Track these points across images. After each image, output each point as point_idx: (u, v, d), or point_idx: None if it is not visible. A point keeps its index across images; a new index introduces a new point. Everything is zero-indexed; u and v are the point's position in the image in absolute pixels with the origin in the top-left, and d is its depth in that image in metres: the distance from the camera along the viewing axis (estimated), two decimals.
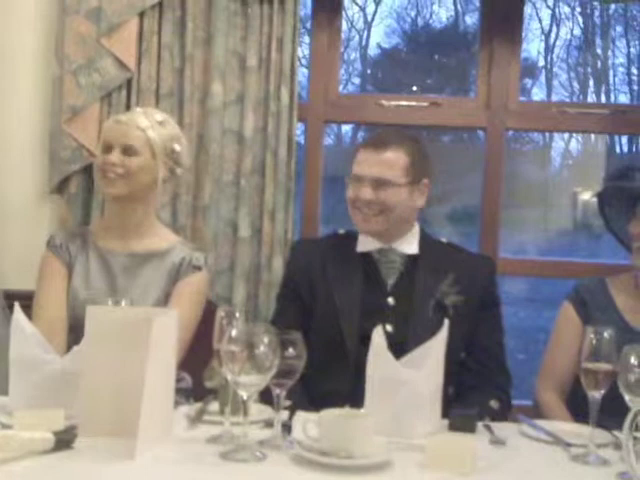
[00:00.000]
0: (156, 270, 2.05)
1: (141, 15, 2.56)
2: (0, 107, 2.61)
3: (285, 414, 1.60)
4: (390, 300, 2.01)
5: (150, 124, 2.03)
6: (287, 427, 1.55)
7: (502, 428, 1.69)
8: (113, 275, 2.04)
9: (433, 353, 1.66)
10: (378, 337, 1.66)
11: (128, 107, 2.54)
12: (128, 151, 2.00)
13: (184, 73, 2.59)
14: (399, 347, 1.73)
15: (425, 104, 2.85)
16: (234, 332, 1.43)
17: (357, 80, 5.74)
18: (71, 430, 1.43)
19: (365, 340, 1.71)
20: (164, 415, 1.52)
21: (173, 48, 2.59)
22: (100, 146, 2.06)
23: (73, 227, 2.52)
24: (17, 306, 1.62)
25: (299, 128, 2.71)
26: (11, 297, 1.78)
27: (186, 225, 2.59)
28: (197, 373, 1.77)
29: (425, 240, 2.07)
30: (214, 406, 1.68)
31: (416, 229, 2.07)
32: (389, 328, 1.92)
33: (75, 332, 1.92)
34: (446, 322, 1.71)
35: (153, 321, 1.42)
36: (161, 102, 2.58)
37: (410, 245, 2.04)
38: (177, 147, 2.09)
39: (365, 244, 2.04)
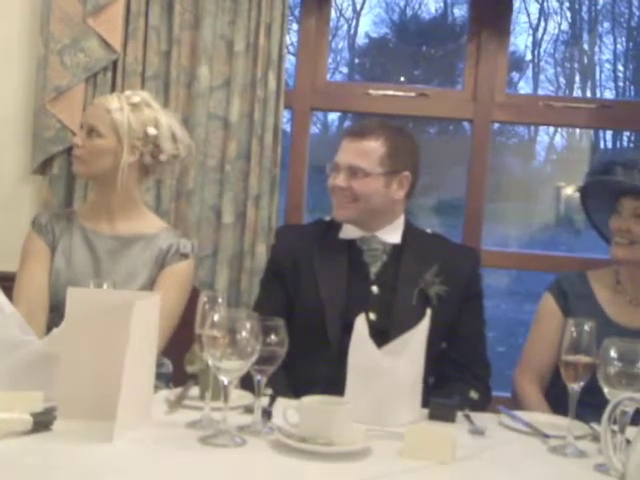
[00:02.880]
0: (141, 254, 2.04)
1: None
2: None
3: (265, 400, 1.60)
4: (374, 288, 2.01)
5: (119, 106, 2.00)
6: (267, 413, 1.55)
7: (481, 418, 1.69)
8: (97, 257, 2.03)
9: (415, 342, 1.67)
10: (360, 325, 1.66)
11: (113, 88, 2.52)
12: (91, 133, 2.00)
13: (171, 56, 2.56)
14: (381, 335, 1.73)
15: (412, 94, 2.85)
16: (216, 317, 1.43)
17: (345, 69, 5.72)
18: (50, 412, 1.41)
19: (348, 328, 1.71)
20: (144, 399, 1.51)
21: (160, 30, 2.57)
22: None
23: (58, 208, 2.50)
24: None
25: (285, 115, 2.70)
26: None
27: (170, 209, 2.58)
28: (178, 358, 1.76)
29: (410, 230, 2.08)
30: (194, 391, 1.68)
31: (401, 219, 2.07)
32: (372, 316, 1.92)
33: (56, 313, 1.91)
34: (428, 312, 1.71)
35: (134, 305, 1.41)
36: (146, 84, 2.55)
37: (393, 234, 2.04)
38: (151, 131, 2.02)
39: (348, 232, 2.05)
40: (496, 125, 3.08)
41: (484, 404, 1.95)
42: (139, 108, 2.03)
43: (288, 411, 1.47)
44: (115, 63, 2.55)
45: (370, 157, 1.97)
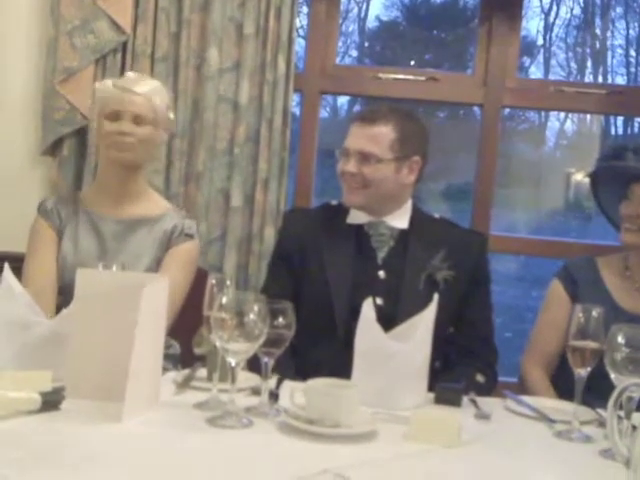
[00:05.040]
0: (147, 237, 2.04)
1: None
2: None
3: (273, 382, 1.61)
4: (381, 273, 2.01)
5: (154, 92, 2.03)
6: (274, 395, 1.56)
7: (487, 403, 1.70)
8: (103, 240, 2.04)
9: (422, 326, 1.67)
10: (367, 309, 1.66)
11: (123, 70, 2.52)
12: (137, 120, 1.99)
13: (180, 38, 2.56)
14: (388, 320, 1.73)
15: (422, 79, 2.84)
16: (224, 299, 1.43)
17: (355, 52, 5.69)
18: (58, 392, 1.43)
19: (355, 312, 1.71)
20: (152, 380, 1.52)
21: (170, 12, 2.56)
22: (103, 113, 2.01)
23: (64, 192, 2.51)
24: (7, 267, 1.61)
25: (294, 99, 2.69)
26: (1, 259, 1.77)
27: (179, 192, 2.58)
28: (186, 339, 1.77)
29: (417, 215, 2.07)
30: (202, 372, 1.69)
31: (408, 204, 2.07)
32: (379, 301, 1.92)
33: (64, 296, 1.92)
34: (436, 296, 1.71)
35: (144, 287, 1.42)
36: (156, 66, 2.55)
37: (401, 220, 2.04)
38: (172, 115, 2.12)
39: (356, 217, 2.04)
40: (506, 110, 3.07)
41: (490, 388, 1.96)
42: (163, 93, 2.07)
43: (295, 393, 1.47)
44: (125, 45, 2.55)
45: (381, 142, 1.97)
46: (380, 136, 1.97)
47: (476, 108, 3.07)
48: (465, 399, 1.70)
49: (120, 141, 1.98)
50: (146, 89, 2.02)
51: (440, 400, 1.68)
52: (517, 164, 5.56)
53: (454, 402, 1.67)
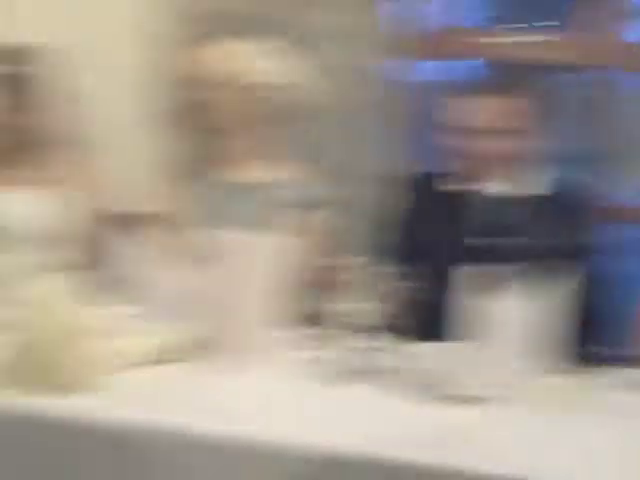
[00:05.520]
0: (268, 203, 2.04)
1: None
2: (106, 38, 2.62)
3: (388, 343, 1.61)
4: (478, 241, 1.96)
5: (223, 57, 2.04)
6: (388, 356, 1.56)
7: (608, 374, 1.63)
8: (220, 205, 2.07)
9: (540, 293, 1.62)
10: (470, 274, 1.62)
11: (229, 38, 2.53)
12: (214, 85, 2.02)
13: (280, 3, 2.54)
14: (498, 289, 1.70)
15: (539, 40, 2.74)
16: (351, 263, 1.46)
17: (465, 14, 5.56)
18: (182, 344, 1.48)
19: (464, 278, 1.69)
20: (272, 335, 1.57)
21: None
22: None
23: (180, 158, 2.57)
24: (133, 228, 1.68)
25: (404, 64, 2.65)
26: (125, 220, 1.83)
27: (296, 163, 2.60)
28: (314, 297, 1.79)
29: (523, 182, 2.01)
30: (319, 331, 1.71)
31: (520, 171, 2.00)
32: (484, 269, 1.89)
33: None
34: (541, 265, 1.66)
35: (258, 243, 1.47)
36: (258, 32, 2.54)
37: (505, 186, 1.98)
38: (246, 79, 2.04)
39: (453, 184, 2.01)
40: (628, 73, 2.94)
41: (609, 360, 1.89)
42: (260, 58, 2.04)
43: (410, 354, 1.48)
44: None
45: (514, 115, 1.94)
46: (511, 109, 1.94)
47: (598, 71, 2.95)
48: (585, 369, 1.64)
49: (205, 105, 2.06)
50: (230, 54, 2.03)
51: (573, 368, 1.62)
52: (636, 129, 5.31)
53: (574, 370, 1.62)
